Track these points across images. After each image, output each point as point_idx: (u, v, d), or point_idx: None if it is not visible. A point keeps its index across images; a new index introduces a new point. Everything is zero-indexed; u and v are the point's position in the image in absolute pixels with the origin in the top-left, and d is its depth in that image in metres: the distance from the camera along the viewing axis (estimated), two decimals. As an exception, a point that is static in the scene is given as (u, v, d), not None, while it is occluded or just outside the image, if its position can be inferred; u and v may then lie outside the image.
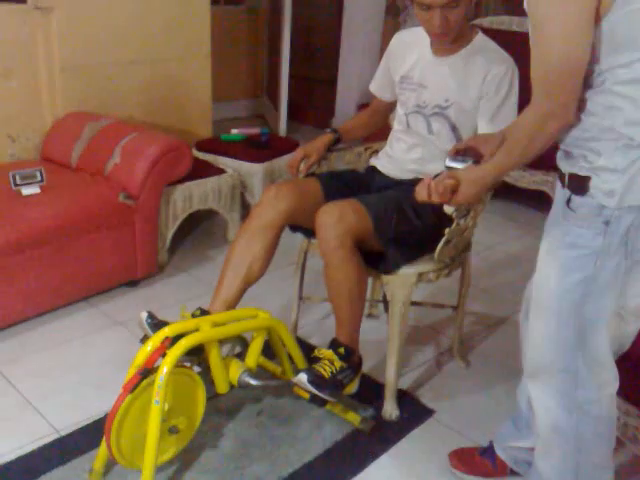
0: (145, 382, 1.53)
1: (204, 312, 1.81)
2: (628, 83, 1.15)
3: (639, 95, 1.15)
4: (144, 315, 1.74)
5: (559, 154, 1.31)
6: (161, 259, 2.74)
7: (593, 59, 1.14)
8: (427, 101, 1.97)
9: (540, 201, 3.41)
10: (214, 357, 1.70)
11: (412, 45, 2.01)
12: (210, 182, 2.86)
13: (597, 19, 1.10)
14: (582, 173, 1.23)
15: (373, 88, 2.20)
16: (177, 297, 2.54)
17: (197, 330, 1.65)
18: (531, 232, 3.32)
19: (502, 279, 2.89)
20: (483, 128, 1.89)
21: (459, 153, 1.57)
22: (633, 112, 1.15)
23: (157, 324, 1.72)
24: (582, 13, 1.08)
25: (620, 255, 1.23)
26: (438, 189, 1.38)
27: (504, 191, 3.02)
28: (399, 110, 2.09)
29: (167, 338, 1.58)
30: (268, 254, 1.90)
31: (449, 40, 1.86)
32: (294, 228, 2.04)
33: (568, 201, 1.26)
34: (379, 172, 2.12)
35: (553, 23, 1.09)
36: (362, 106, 4.67)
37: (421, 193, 1.43)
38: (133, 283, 2.59)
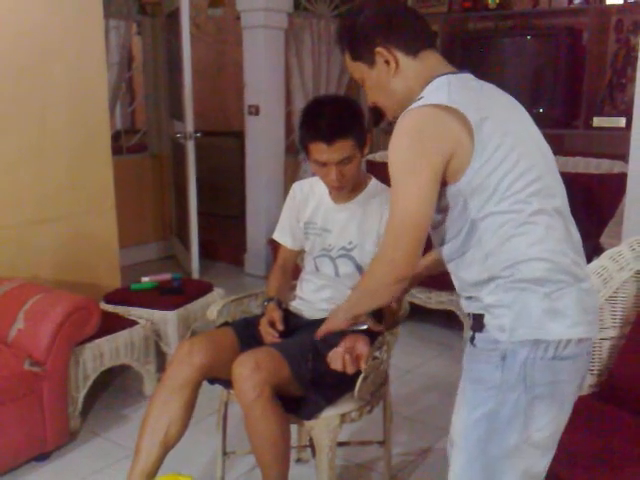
0: None
1: (121, 487, 1.71)
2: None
3: (504, 236, 1.25)
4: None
5: (460, 298, 1.40)
6: (73, 425, 2.57)
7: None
8: (332, 244, 2.06)
9: (450, 320, 3.54)
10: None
11: (311, 193, 2.13)
12: (121, 336, 2.78)
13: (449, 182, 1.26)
14: (476, 312, 1.32)
15: (282, 239, 2.20)
16: (93, 466, 2.37)
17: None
18: (445, 351, 3.41)
19: (425, 403, 2.90)
20: None
21: None
22: (505, 254, 1.25)
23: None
24: (427, 183, 1.23)
25: (520, 390, 1.24)
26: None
27: (416, 313, 3.13)
28: (307, 254, 2.16)
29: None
30: (186, 414, 1.86)
31: (346, 191, 1.99)
32: (212, 381, 2.00)
33: (472, 338, 1.33)
34: (292, 313, 2.15)
35: (403, 187, 1.26)
36: (271, 240, 4.76)
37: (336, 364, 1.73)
38: (43, 456, 2.40)
